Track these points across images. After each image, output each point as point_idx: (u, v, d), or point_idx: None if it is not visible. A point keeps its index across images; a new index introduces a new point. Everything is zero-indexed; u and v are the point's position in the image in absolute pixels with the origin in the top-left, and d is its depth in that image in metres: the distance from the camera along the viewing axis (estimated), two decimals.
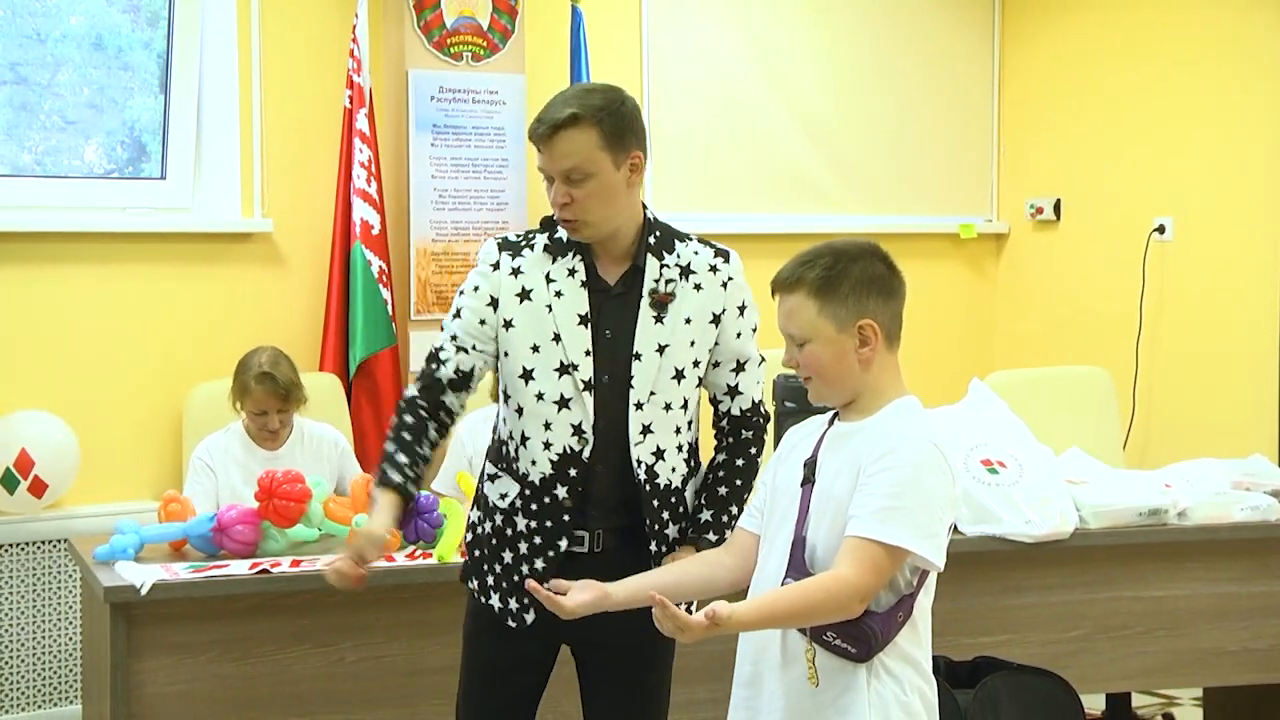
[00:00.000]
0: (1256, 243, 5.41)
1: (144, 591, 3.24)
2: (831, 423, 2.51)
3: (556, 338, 2.74)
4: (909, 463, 2.33)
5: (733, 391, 2.86)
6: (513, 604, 2.81)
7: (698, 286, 2.80)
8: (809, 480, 2.45)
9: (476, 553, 2.89)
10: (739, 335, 2.84)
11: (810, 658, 2.38)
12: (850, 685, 2.37)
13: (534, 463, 2.78)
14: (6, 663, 4.57)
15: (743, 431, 2.91)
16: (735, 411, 2.89)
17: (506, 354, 2.79)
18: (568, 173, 2.70)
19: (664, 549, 2.81)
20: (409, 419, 2.83)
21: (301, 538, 3.65)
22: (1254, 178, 5.43)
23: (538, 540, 2.78)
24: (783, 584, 2.40)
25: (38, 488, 4.51)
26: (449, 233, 5.08)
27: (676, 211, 5.68)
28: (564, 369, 2.74)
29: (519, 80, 5.19)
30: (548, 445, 2.76)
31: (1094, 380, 5.04)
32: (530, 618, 2.79)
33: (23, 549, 4.57)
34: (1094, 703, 4.46)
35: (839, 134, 5.98)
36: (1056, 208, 6.09)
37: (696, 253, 2.84)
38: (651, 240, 2.80)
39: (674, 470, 2.80)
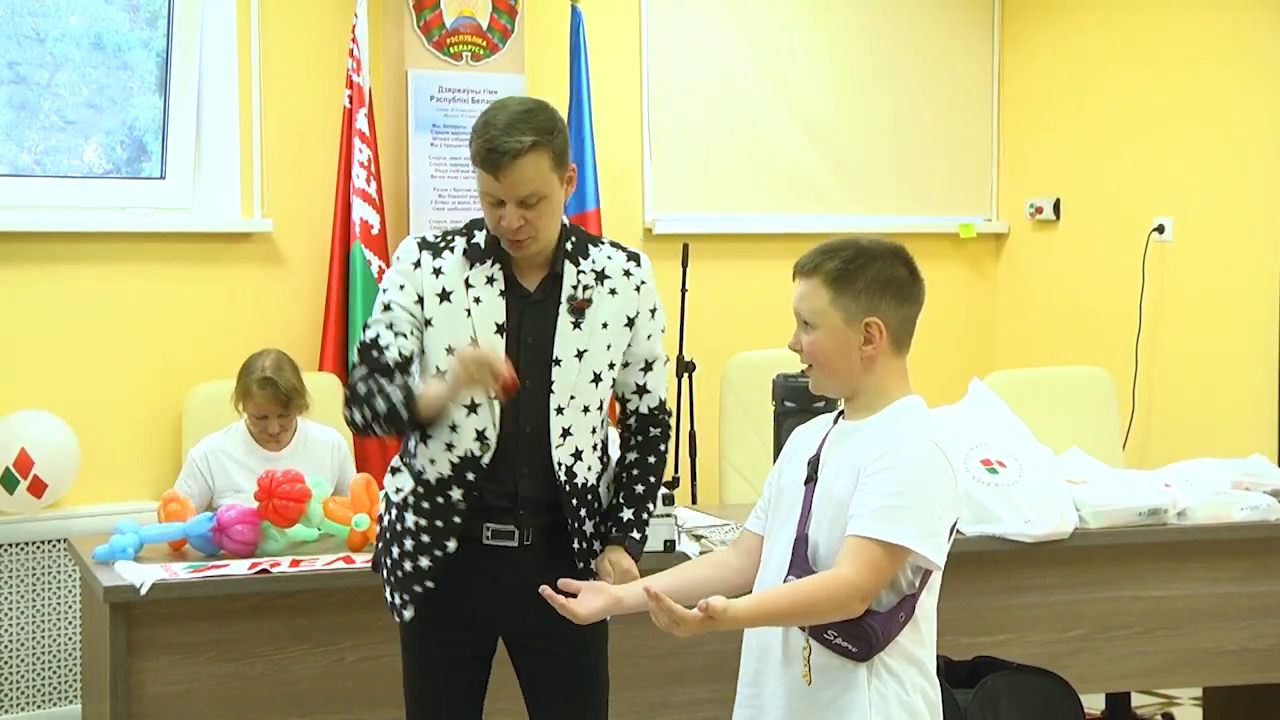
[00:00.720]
0: (1256, 242, 5.41)
1: (143, 591, 3.24)
2: (836, 422, 2.52)
3: (473, 342, 2.77)
4: (910, 462, 2.34)
5: (641, 390, 2.93)
6: (397, 598, 2.87)
7: (613, 291, 2.84)
8: (812, 479, 2.45)
9: (379, 544, 2.96)
10: (649, 337, 2.89)
11: (806, 656, 2.38)
12: (851, 684, 2.37)
13: (432, 461, 2.82)
14: (6, 663, 4.57)
15: (650, 429, 2.99)
16: (643, 410, 2.97)
17: (423, 351, 2.83)
18: (525, 198, 2.72)
19: (583, 545, 2.86)
20: (366, 389, 2.75)
21: (301, 538, 3.65)
22: (1254, 177, 5.43)
23: (425, 539, 2.82)
24: (785, 582, 2.40)
25: (37, 487, 4.51)
26: None
27: (676, 211, 5.70)
28: None
29: (519, 80, 5.19)
30: (450, 447, 2.80)
31: (1094, 380, 5.03)
32: (409, 614, 2.85)
33: (22, 549, 4.57)
34: (1093, 702, 4.46)
35: (839, 134, 5.98)
36: (1056, 207, 6.09)
37: (610, 257, 2.87)
38: (569, 246, 2.84)
39: (590, 469, 2.87)
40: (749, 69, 5.81)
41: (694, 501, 4.90)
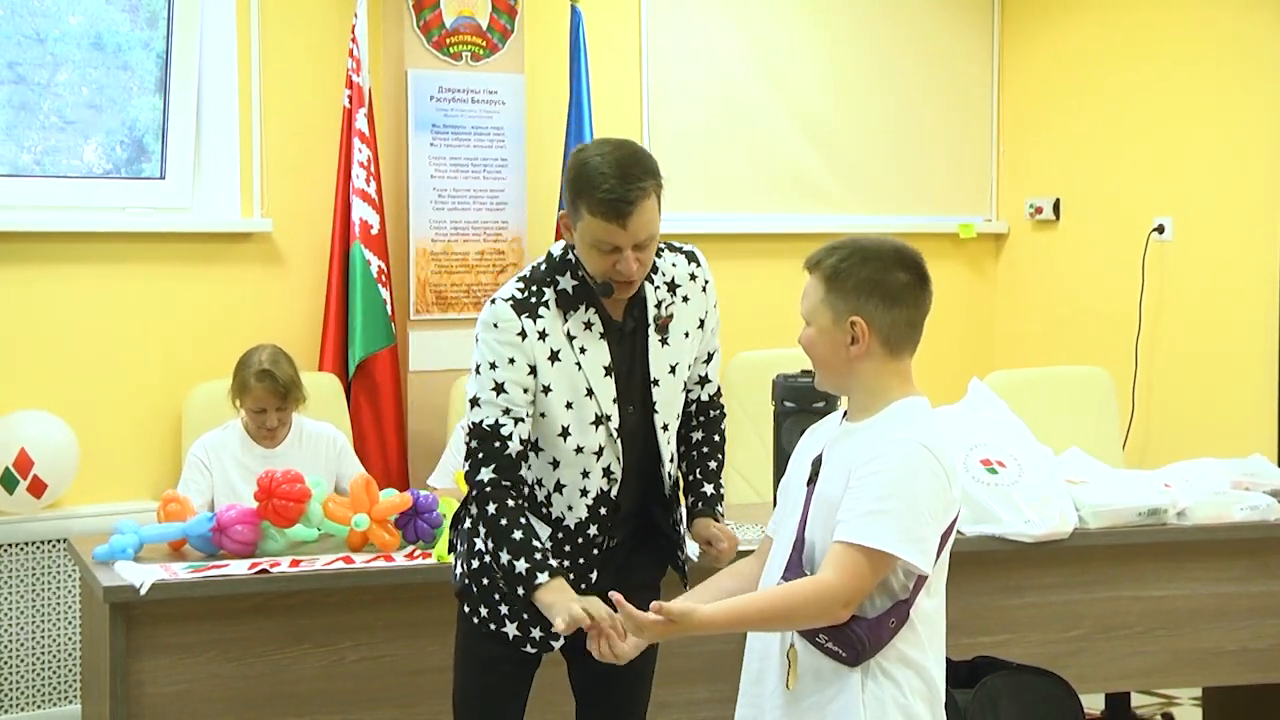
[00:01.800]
0: (1256, 242, 5.41)
1: (143, 591, 3.25)
2: (841, 422, 2.53)
3: (589, 393, 2.80)
4: (896, 465, 2.33)
5: (704, 380, 3.03)
6: (535, 633, 2.84)
7: (685, 299, 2.89)
8: (813, 479, 2.46)
9: (485, 582, 2.87)
10: (713, 331, 2.99)
11: (792, 659, 2.39)
12: (845, 686, 2.37)
13: (570, 508, 2.85)
14: (6, 663, 4.57)
15: (711, 411, 3.09)
16: (704, 397, 3.07)
17: (544, 415, 2.80)
18: (644, 242, 2.73)
19: (670, 539, 2.95)
20: (510, 503, 2.75)
21: (301, 538, 3.65)
22: (1253, 177, 5.43)
23: (571, 576, 2.80)
24: (779, 583, 2.41)
25: (37, 487, 4.51)
26: (448, 232, 5.08)
27: (676, 212, 5.67)
28: (599, 420, 2.81)
29: (518, 80, 5.19)
30: (584, 492, 2.84)
31: (1093, 380, 5.04)
32: (558, 644, 2.86)
33: (22, 549, 4.57)
34: (1093, 702, 4.46)
35: (839, 134, 5.98)
36: (1056, 207, 6.09)
37: (675, 264, 2.91)
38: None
39: (675, 467, 2.99)
40: (749, 69, 5.81)
41: None
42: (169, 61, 4.91)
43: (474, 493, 2.77)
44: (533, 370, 2.76)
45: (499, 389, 2.75)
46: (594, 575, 2.85)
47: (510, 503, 2.75)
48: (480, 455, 2.76)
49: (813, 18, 5.93)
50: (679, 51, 5.69)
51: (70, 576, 4.60)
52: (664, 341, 2.85)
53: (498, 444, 2.74)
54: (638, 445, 2.87)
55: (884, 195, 6.08)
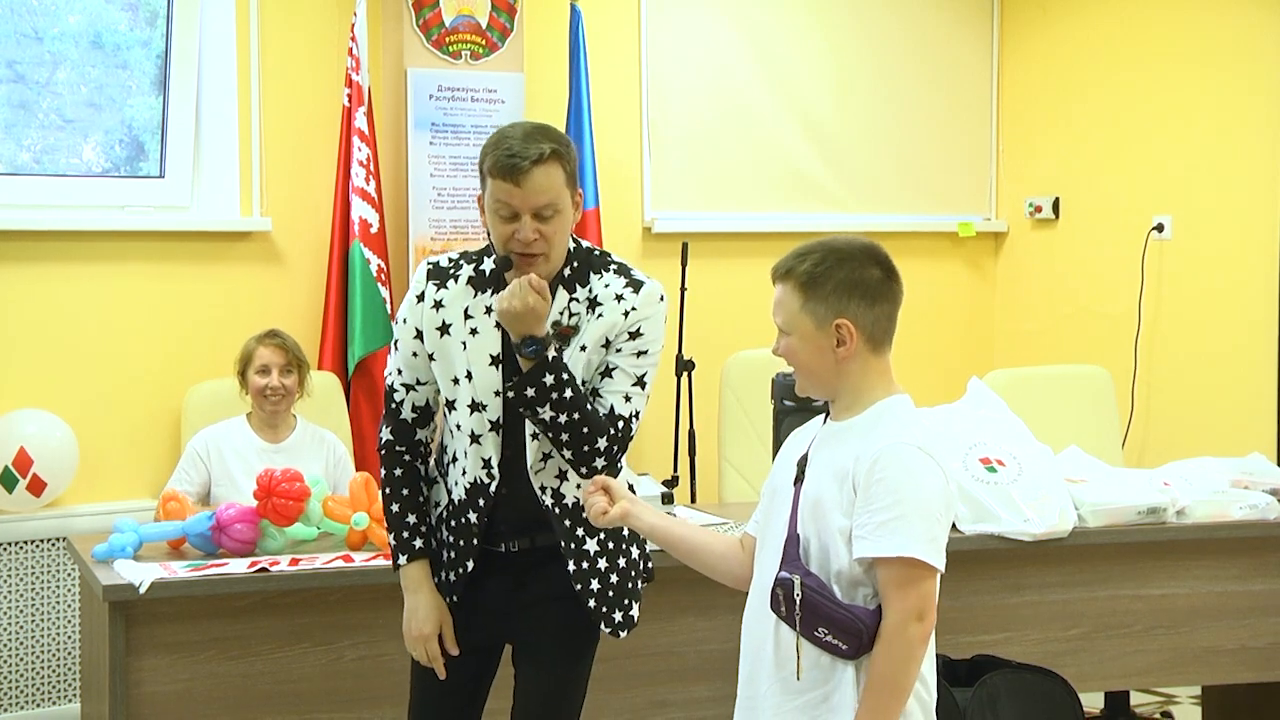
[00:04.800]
0: (1255, 241, 5.41)
1: (142, 590, 3.24)
2: (825, 423, 2.53)
3: (469, 375, 2.81)
4: (898, 471, 2.34)
5: (593, 395, 2.83)
6: (439, 576, 2.94)
7: (600, 316, 2.82)
8: (800, 479, 2.47)
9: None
10: (619, 350, 2.82)
11: (799, 648, 2.39)
12: (841, 682, 2.38)
13: (456, 483, 2.90)
14: (5, 661, 4.57)
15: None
16: None
17: (437, 381, 2.88)
18: (541, 209, 2.74)
19: (585, 565, 2.87)
20: (398, 471, 2.93)
21: (300, 536, 3.65)
22: (1253, 176, 5.43)
23: (452, 554, 2.91)
24: (777, 580, 2.41)
25: (36, 486, 4.51)
26: (448, 231, 5.08)
27: (675, 210, 5.70)
28: (475, 406, 2.82)
29: (518, 79, 5.19)
30: (465, 472, 2.87)
31: (1093, 379, 5.04)
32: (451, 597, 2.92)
33: (21, 548, 4.57)
34: (1093, 701, 4.47)
35: (838, 132, 5.98)
36: (1055, 206, 6.09)
37: (607, 285, 2.84)
38: (566, 272, 2.83)
39: (578, 487, 2.85)
40: (748, 68, 5.81)
41: (693, 500, 4.90)
42: (168, 60, 4.91)
43: (381, 451, 2.94)
44: (419, 335, 2.84)
45: (396, 344, 2.90)
46: (469, 564, 2.87)
47: (398, 471, 2.91)
48: (385, 414, 2.94)
49: (812, 16, 5.93)
50: (678, 50, 5.69)
51: (70, 575, 4.60)
52: (558, 350, 2.79)
53: (393, 405, 2.92)
54: (515, 449, 2.84)
55: (883, 194, 6.07)
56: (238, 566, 3.42)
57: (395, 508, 2.91)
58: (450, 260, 2.90)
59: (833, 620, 2.36)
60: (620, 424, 2.81)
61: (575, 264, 2.84)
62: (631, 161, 5.63)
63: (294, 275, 5.04)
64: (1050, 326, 6.09)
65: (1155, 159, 5.72)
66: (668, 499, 3.60)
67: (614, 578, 2.90)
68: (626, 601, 2.93)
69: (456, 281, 2.85)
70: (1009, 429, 4.04)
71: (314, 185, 5.02)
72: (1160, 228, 5.66)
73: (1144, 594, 3.97)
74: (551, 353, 2.74)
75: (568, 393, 2.73)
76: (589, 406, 2.77)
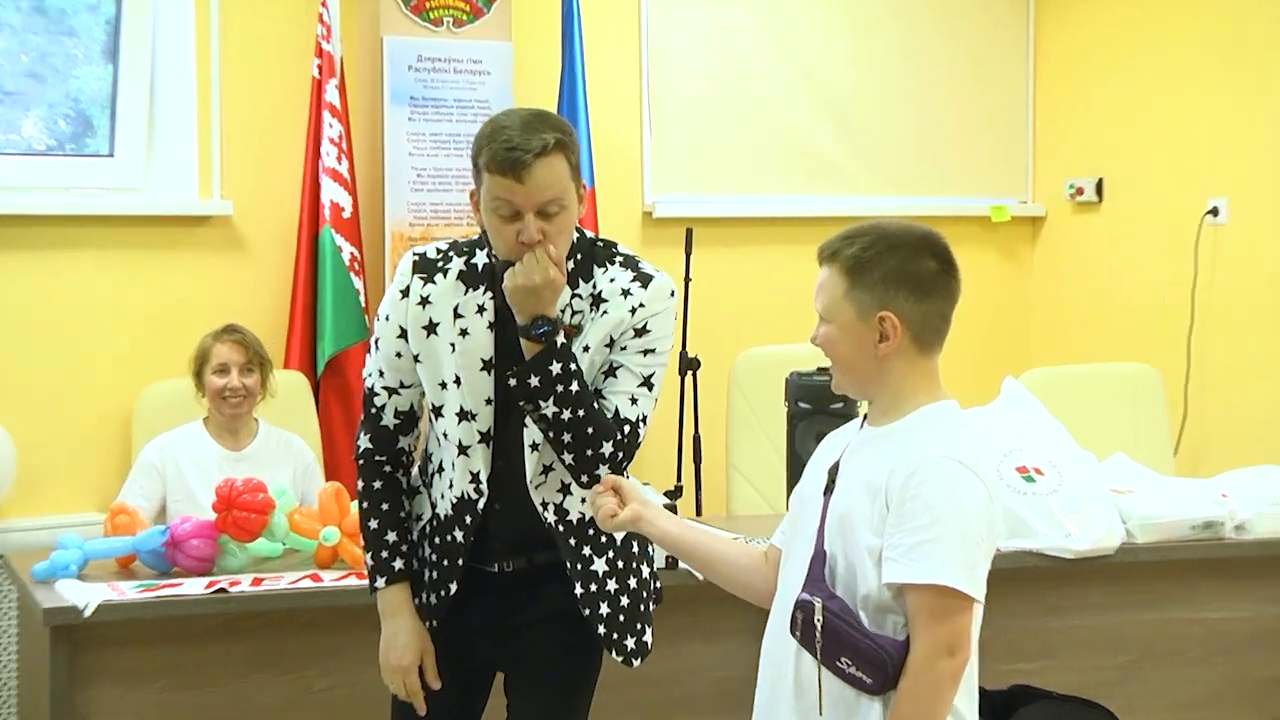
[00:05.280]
0: None
1: (88, 613, 3.23)
2: (861, 427, 2.51)
3: (458, 381, 2.80)
4: (936, 488, 2.31)
5: (597, 396, 2.81)
6: (418, 599, 2.93)
7: (605, 313, 2.80)
8: (830, 489, 2.45)
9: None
10: (624, 349, 2.81)
11: (822, 681, 2.37)
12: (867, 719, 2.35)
13: (442, 496, 2.89)
14: None
15: None
16: None
17: (423, 385, 2.86)
18: (545, 205, 2.71)
19: (593, 587, 2.85)
20: (378, 483, 2.91)
21: (264, 553, 3.64)
22: None
23: (435, 575, 2.90)
24: (797, 602, 2.40)
25: None
26: (428, 216, 5.06)
27: (679, 193, 5.68)
28: (464, 415, 2.81)
29: (505, 48, 5.17)
30: (451, 485, 2.86)
31: (1141, 378, 5.03)
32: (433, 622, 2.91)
33: None
34: None
35: (858, 107, 5.97)
36: (1099, 188, 6.08)
37: (612, 279, 2.82)
38: (569, 266, 2.80)
39: (584, 501, 2.83)
40: (758, 37, 5.80)
41: (698, 513, 4.89)
42: (119, 26, 4.89)
43: (359, 461, 2.92)
44: (403, 334, 2.82)
45: (376, 343, 2.88)
46: (452, 586, 2.86)
47: (377, 483, 2.90)
48: (363, 419, 2.93)
49: None
50: (682, 17, 5.68)
51: (6, 597, 4.58)
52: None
53: (373, 410, 2.90)
54: (508, 461, 2.82)
55: (907, 175, 6.06)
56: (194, 587, 3.40)
57: (374, 524, 2.89)
58: (438, 252, 2.87)
59: (857, 650, 2.34)
60: (626, 428, 2.79)
61: (578, 257, 2.81)
62: (630, 140, 5.62)
63: (258, 264, 5.02)
64: (1093, 320, 6.08)
65: (1210, 135, 5.70)
66: (670, 511, 3.58)
67: (625, 600, 2.89)
68: (639, 626, 2.91)
69: (445, 276, 2.83)
70: (1048, 434, 4.04)
71: (280, 165, 5.00)
72: (1215, 211, 5.65)
73: (1199, 618, 3.97)
74: (561, 339, 2.72)
75: (574, 386, 2.71)
76: (595, 405, 2.75)
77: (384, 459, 2.90)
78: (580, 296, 2.80)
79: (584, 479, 2.78)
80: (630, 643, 2.89)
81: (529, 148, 2.66)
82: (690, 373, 4.96)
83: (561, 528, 2.84)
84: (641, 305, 2.80)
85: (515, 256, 2.71)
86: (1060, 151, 6.24)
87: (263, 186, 5.02)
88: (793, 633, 2.41)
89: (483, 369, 2.79)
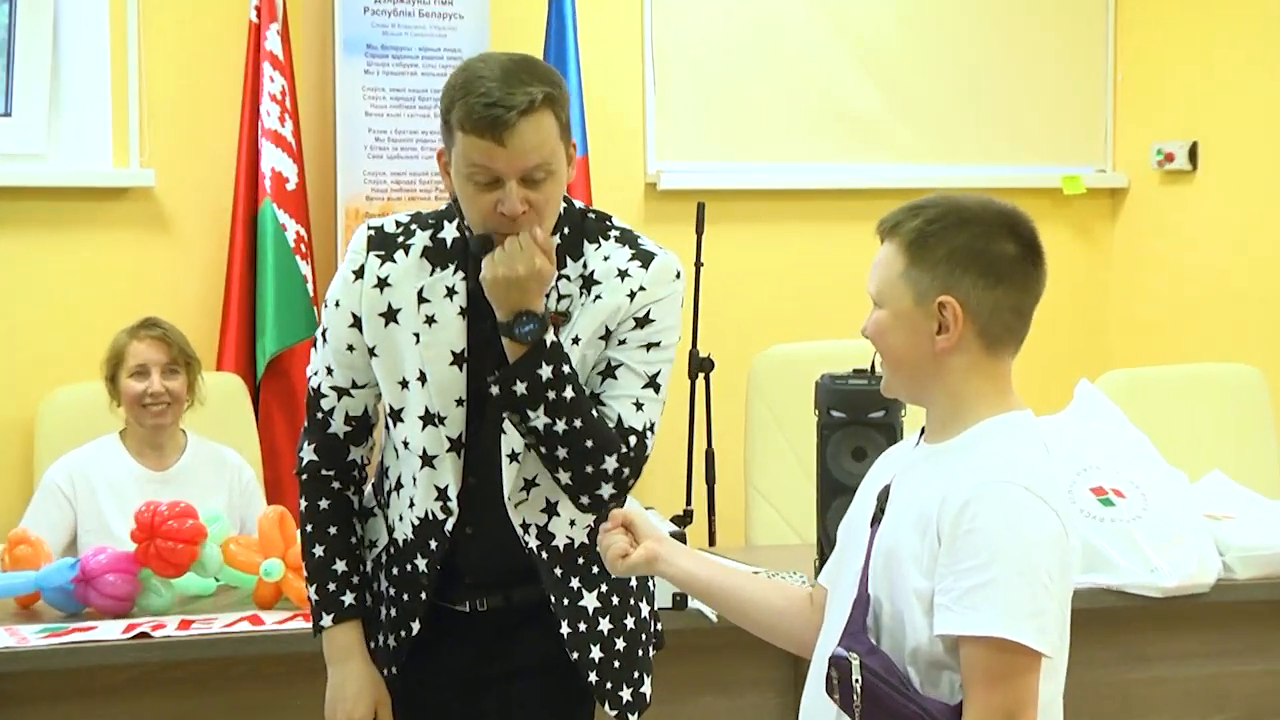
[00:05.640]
0: None
1: None
2: (918, 444, 2.51)
3: (423, 378, 2.80)
4: (996, 519, 2.29)
5: (595, 402, 2.81)
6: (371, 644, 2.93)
7: (598, 298, 2.81)
8: (879, 519, 2.44)
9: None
10: (622, 342, 2.82)
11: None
12: None
13: (400, 518, 2.89)
14: None
15: None
16: None
17: (379, 385, 2.87)
18: (531, 172, 2.70)
19: (582, 626, 2.86)
20: (324, 502, 2.92)
21: (193, 591, 3.65)
22: None
23: (393, 612, 2.91)
24: (831, 659, 2.39)
25: None
26: (388, 188, 5.07)
27: (688, 161, 5.69)
28: (429, 419, 2.80)
29: None
30: (412, 504, 2.86)
31: (1242, 381, 5.03)
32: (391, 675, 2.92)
33: None
34: None
35: (903, 61, 5.98)
36: (1192, 153, 6.09)
37: (607, 257, 2.83)
38: (556, 240, 2.80)
39: (573, 524, 2.85)
40: None
41: (711, 542, 4.90)
42: None
43: (302, 475, 2.93)
44: (356, 322, 2.83)
45: (324, 334, 2.89)
46: (414, 626, 2.87)
47: (324, 502, 2.91)
48: (306, 427, 2.94)
49: None
50: None
51: None
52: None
53: (319, 415, 2.90)
54: (485, 476, 2.83)
55: (964, 141, 6.08)
56: (110, 630, 3.40)
57: (319, 551, 2.90)
58: (398, 225, 2.88)
59: (900, 716, 2.32)
60: (633, 439, 2.79)
61: (566, 230, 2.82)
62: (631, 99, 5.63)
63: (185, 246, 5.04)
64: (1184, 312, 6.09)
65: None
66: (678, 539, 3.59)
67: (620, 643, 2.90)
68: (636, 674, 2.92)
69: (407, 254, 2.83)
70: (1130, 448, 4.05)
71: (211, 127, 5.03)
72: None
73: None
74: (550, 337, 2.72)
75: (568, 392, 2.71)
76: (594, 413, 2.76)
77: (331, 473, 2.91)
78: (568, 278, 2.80)
79: (584, 500, 2.78)
80: (626, 694, 2.89)
81: (512, 104, 2.65)
82: (703, 375, 4.97)
83: (545, 554, 2.84)
84: (642, 289, 2.80)
85: (493, 230, 2.70)
86: (1146, 110, 6.25)
87: (190, 153, 5.04)
88: (829, 693, 2.40)
89: (452, 363, 2.79)
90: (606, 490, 2.76)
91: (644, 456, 2.82)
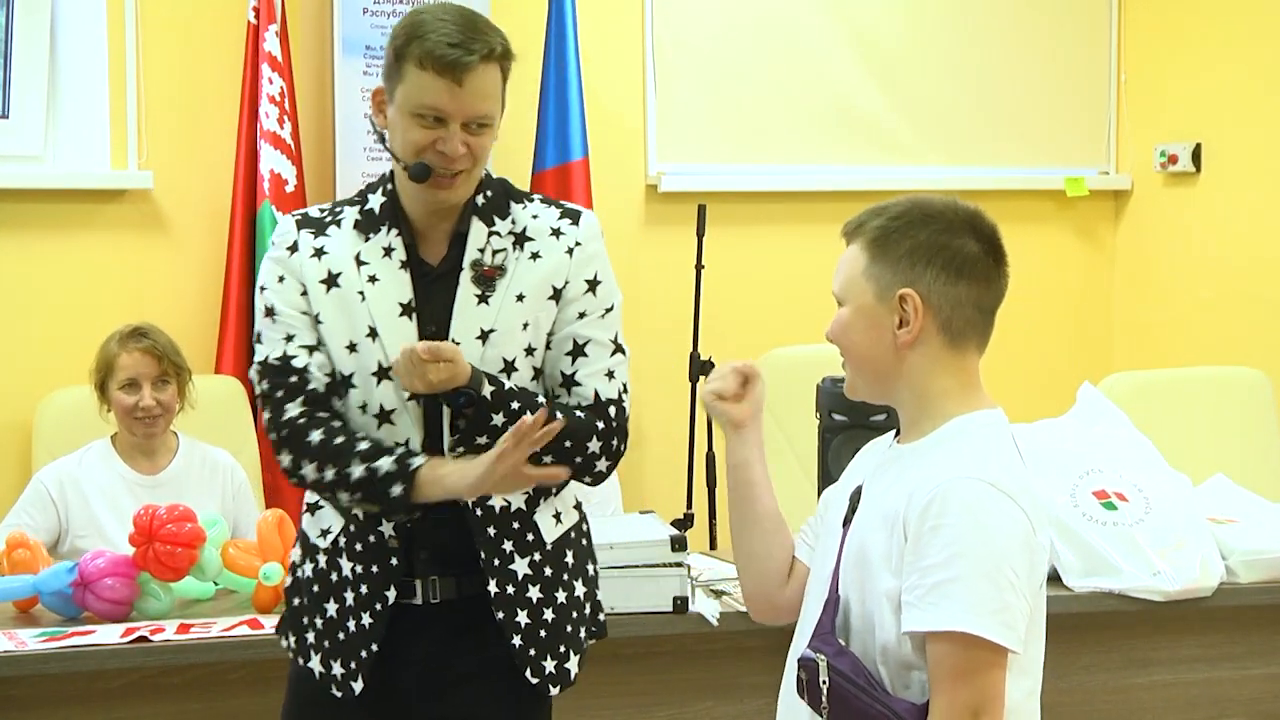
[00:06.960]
0: None
1: None
2: (891, 445, 2.52)
3: (373, 333, 2.83)
4: (960, 515, 2.30)
5: (569, 383, 2.90)
6: (336, 668, 2.90)
7: (535, 255, 2.88)
8: (850, 519, 2.46)
9: (296, 601, 2.99)
10: (581, 315, 2.90)
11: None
12: None
13: None
14: None
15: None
16: (571, 404, 2.91)
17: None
18: (479, 118, 2.80)
19: (510, 589, 2.87)
20: (333, 432, 2.83)
21: (192, 594, 3.65)
22: None
23: (364, 589, 2.88)
24: (800, 660, 2.40)
25: None
26: None
27: (689, 163, 5.69)
28: (383, 373, 2.82)
29: None
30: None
31: (1245, 384, 5.02)
32: (358, 686, 2.88)
33: None
34: None
35: (907, 62, 5.99)
36: (1195, 155, 6.09)
37: (536, 216, 2.91)
38: (480, 201, 2.89)
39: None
40: None
41: (712, 546, 4.90)
42: None
43: (285, 434, 2.83)
44: (304, 292, 2.87)
45: (271, 312, 2.89)
46: (389, 593, 2.84)
47: (336, 423, 2.83)
48: (280, 394, 2.86)
49: None
50: None
51: None
52: (482, 299, 2.84)
53: (294, 378, 2.85)
54: (429, 430, 2.84)
55: (968, 143, 6.08)
56: (109, 635, 3.41)
57: (365, 445, 2.79)
58: (322, 210, 2.95)
59: (868, 717, 2.33)
60: (612, 409, 2.87)
61: (489, 192, 2.90)
62: (631, 99, 5.64)
63: (183, 248, 5.05)
64: (1188, 314, 6.09)
65: None
66: (679, 545, 3.60)
67: (548, 613, 2.91)
68: (562, 649, 2.92)
69: (340, 227, 2.90)
70: (1133, 451, 4.05)
71: (209, 129, 5.03)
72: None
73: None
74: (488, 389, 2.77)
75: (528, 416, 2.73)
76: (557, 416, 2.78)
77: (326, 414, 2.85)
78: (499, 234, 2.88)
79: (586, 480, 2.89)
80: (550, 665, 2.89)
81: (473, 48, 2.75)
82: (703, 378, 4.97)
83: (480, 512, 2.85)
84: (578, 244, 2.90)
85: (427, 162, 2.77)
86: (1149, 112, 6.25)
87: (188, 154, 5.05)
88: (800, 694, 2.41)
89: (401, 314, 2.83)
90: (602, 465, 2.88)
91: (625, 420, 2.91)
